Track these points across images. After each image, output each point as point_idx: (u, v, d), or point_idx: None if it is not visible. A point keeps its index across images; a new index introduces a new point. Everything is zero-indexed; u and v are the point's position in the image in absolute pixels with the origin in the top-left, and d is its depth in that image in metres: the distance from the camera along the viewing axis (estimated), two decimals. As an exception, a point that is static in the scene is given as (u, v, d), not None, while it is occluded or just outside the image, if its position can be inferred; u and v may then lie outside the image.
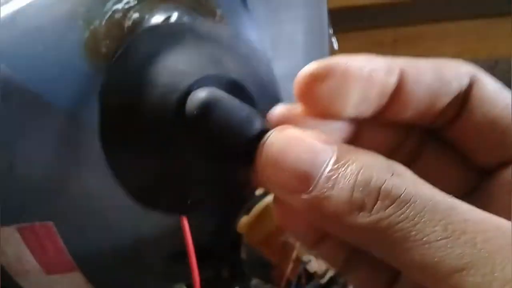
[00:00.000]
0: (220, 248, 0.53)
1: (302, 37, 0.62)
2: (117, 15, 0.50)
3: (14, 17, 0.48)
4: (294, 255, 0.47)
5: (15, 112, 0.46)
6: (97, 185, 0.47)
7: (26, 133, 0.46)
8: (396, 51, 1.34)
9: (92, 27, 0.49)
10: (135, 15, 0.50)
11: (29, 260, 0.53)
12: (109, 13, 0.50)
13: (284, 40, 0.59)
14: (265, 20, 0.57)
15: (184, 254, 0.52)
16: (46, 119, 0.46)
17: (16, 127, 0.46)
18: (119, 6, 0.51)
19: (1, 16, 0.47)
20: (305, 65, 0.47)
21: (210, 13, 0.53)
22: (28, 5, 0.48)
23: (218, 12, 0.54)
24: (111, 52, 0.48)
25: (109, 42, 0.49)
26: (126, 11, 0.51)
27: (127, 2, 0.51)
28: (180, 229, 0.50)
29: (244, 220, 0.49)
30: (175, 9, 0.52)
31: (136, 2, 0.52)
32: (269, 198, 0.48)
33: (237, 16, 0.55)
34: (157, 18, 0.50)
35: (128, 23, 0.50)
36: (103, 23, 0.49)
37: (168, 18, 0.49)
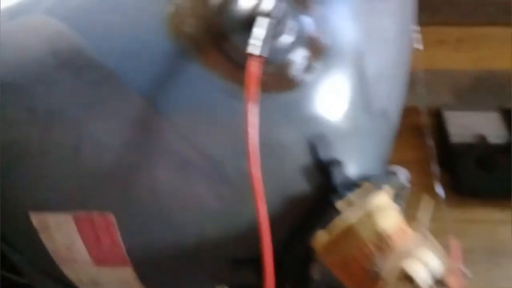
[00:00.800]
0: (288, 260, 0.48)
1: (394, 32, 0.55)
2: (205, -8, 0.44)
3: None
4: (379, 288, 0.42)
5: (86, 89, 0.41)
6: (167, 181, 0.43)
7: (97, 113, 0.41)
8: (458, 51, 1.27)
9: (177, 1, 0.43)
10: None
11: (79, 250, 0.48)
12: (196, -12, 0.44)
13: (377, 33, 0.53)
14: (360, 10, 0.51)
15: (248, 261, 0.48)
16: (119, 101, 0.41)
17: (86, 106, 0.41)
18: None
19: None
20: (397, 64, 0.43)
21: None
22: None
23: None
24: (196, 33, 0.43)
25: (194, 20, 0.43)
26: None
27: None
28: (246, 235, 0.46)
29: (321, 235, 0.44)
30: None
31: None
32: (353, 216, 0.42)
33: (330, 2, 0.49)
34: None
35: (214, 1, 0.44)
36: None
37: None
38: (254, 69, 0.41)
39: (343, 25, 0.50)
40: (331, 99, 0.48)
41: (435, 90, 1.23)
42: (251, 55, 0.41)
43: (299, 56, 0.46)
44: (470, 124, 1.23)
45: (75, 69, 0.40)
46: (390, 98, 0.57)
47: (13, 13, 0.42)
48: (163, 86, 0.41)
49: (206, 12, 0.43)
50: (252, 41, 0.41)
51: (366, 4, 0.51)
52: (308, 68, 0.46)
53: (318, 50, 0.48)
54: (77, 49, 0.40)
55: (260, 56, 0.41)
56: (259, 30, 0.42)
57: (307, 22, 0.47)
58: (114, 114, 0.41)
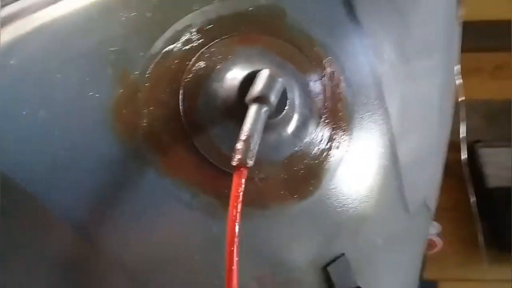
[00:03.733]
0: None
1: (436, 98, 0.41)
2: (170, 62, 0.31)
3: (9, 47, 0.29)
4: None
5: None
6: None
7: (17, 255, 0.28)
8: (496, 79, 1.11)
9: (128, 80, 0.30)
10: (200, 64, 0.31)
11: None
12: (158, 57, 0.31)
13: (416, 102, 0.39)
14: (396, 71, 0.37)
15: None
16: (45, 239, 0.28)
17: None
18: (175, 46, 0.31)
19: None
20: (438, 145, 0.40)
21: (315, 62, 0.34)
22: (30, 34, 0.30)
23: (326, 60, 0.34)
24: (155, 127, 0.29)
25: (154, 109, 0.30)
26: (185, 55, 0.31)
27: (188, 40, 0.32)
28: None
29: None
30: (263, 57, 0.32)
31: (201, 39, 0.32)
32: None
33: (356, 63, 0.35)
34: (236, 73, 0.30)
35: (186, 76, 0.31)
36: (147, 73, 0.30)
37: (253, 74, 0.30)
38: (239, 182, 0.27)
39: (370, 95, 0.36)
40: (355, 202, 0.35)
41: (469, 122, 1.08)
42: (238, 161, 0.27)
43: (310, 147, 0.33)
44: (509, 163, 1.06)
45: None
46: (431, 182, 0.43)
47: None
48: (106, 209, 0.28)
49: (171, 96, 0.30)
50: (239, 144, 0.28)
51: (401, 65, 0.37)
52: (323, 160, 0.33)
53: (337, 134, 0.34)
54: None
55: (248, 164, 0.28)
56: (249, 125, 0.28)
57: (320, 93, 0.34)
58: (29, 254, 0.28)
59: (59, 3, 0.31)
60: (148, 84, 0.30)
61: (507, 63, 1.08)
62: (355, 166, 0.35)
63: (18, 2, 0.31)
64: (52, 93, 0.28)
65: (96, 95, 0.29)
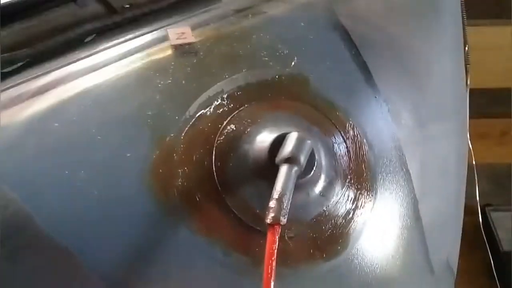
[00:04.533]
0: None
1: (455, 161, 0.43)
2: (203, 125, 0.33)
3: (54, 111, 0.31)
4: None
5: (25, 274, 0.28)
6: None
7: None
8: (503, 145, 1.13)
9: (164, 142, 0.32)
10: (231, 127, 0.33)
11: None
12: (192, 121, 0.33)
13: (434, 164, 0.40)
14: (413, 135, 0.38)
15: None
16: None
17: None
18: (207, 110, 0.33)
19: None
20: (457, 206, 0.41)
21: (339, 125, 0.35)
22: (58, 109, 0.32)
23: (349, 124, 0.36)
24: (189, 187, 0.31)
25: (188, 169, 0.31)
26: (217, 119, 0.33)
27: (219, 105, 0.34)
28: None
29: None
30: (290, 121, 0.34)
31: (231, 104, 0.34)
32: None
33: (377, 127, 0.37)
34: (265, 136, 0.32)
35: (218, 138, 0.33)
36: (182, 135, 0.32)
37: (283, 136, 0.31)
38: (273, 239, 0.28)
39: (391, 158, 0.37)
40: (381, 263, 0.35)
41: (478, 187, 1.08)
42: (272, 219, 0.28)
43: (337, 207, 0.34)
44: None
45: (13, 249, 0.28)
46: (452, 242, 0.44)
47: None
48: (140, 265, 0.29)
49: (204, 157, 0.31)
50: (272, 202, 0.29)
51: (418, 129, 0.39)
52: (349, 221, 0.34)
53: (362, 195, 0.35)
54: (21, 221, 0.28)
55: (280, 223, 0.29)
56: (281, 185, 0.29)
57: (345, 155, 0.35)
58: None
59: (100, 70, 0.34)
60: (183, 145, 0.32)
61: (512, 129, 1.10)
62: (380, 226, 0.36)
63: (63, 68, 0.34)
64: (92, 155, 0.30)
65: (135, 156, 0.30)
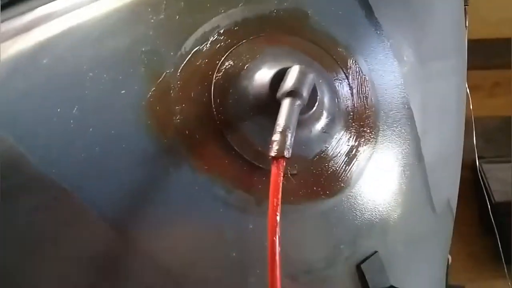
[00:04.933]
0: None
1: (454, 98, 0.42)
2: (200, 61, 0.31)
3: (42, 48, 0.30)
4: None
5: (26, 216, 0.27)
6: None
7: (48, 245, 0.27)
8: (495, 96, 1.13)
9: (160, 78, 0.30)
10: (229, 63, 0.32)
11: None
12: (188, 57, 0.31)
13: (435, 103, 0.39)
14: (415, 72, 0.37)
15: None
16: (76, 228, 0.28)
17: (29, 235, 0.27)
18: (204, 46, 0.32)
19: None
20: (457, 145, 0.41)
21: (340, 61, 0.34)
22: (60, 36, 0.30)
23: (351, 60, 0.35)
24: (188, 123, 0.30)
25: (187, 106, 0.30)
26: (214, 55, 0.32)
27: (216, 41, 0.32)
28: None
29: None
30: (290, 56, 0.33)
31: (228, 39, 0.33)
32: None
33: (379, 63, 0.36)
34: (265, 71, 0.31)
35: (216, 74, 0.31)
36: (179, 72, 0.31)
37: (284, 71, 0.30)
38: (278, 172, 0.27)
39: (394, 95, 0.36)
40: (384, 200, 0.34)
41: (469, 140, 1.09)
42: (276, 152, 0.28)
43: (339, 144, 0.33)
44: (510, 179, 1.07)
45: (6, 190, 0.27)
46: (453, 183, 0.43)
47: None
48: (140, 204, 0.28)
49: (202, 93, 0.30)
50: (276, 136, 0.28)
51: (420, 65, 0.38)
52: (352, 158, 0.33)
53: (365, 132, 0.34)
54: (13, 162, 0.27)
55: (284, 156, 0.28)
56: (284, 118, 0.28)
57: (347, 92, 0.34)
58: (64, 249, 0.27)
59: (89, 5, 0.32)
60: (179, 82, 0.30)
61: (507, 80, 1.10)
62: (383, 164, 0.35)
63: (49, 4, 0.32)
64: (85, 92, 0.28)
65: (130, 93, 0.29)
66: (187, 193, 0.29)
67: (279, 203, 0.26)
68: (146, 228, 0.28)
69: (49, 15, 0.31)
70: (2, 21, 0.31)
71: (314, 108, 0.31)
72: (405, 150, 0.36)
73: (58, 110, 0.28)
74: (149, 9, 0.32)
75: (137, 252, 0.28)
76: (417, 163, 0.37)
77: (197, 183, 0.29)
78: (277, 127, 0.28)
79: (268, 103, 0.30)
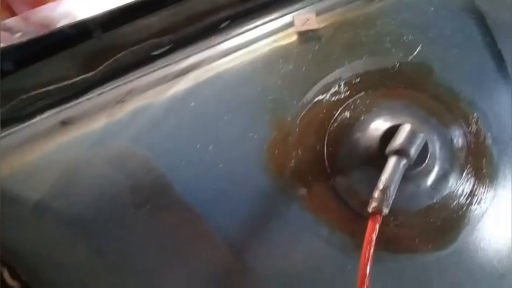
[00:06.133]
0: None
1: None
2: (319, 111, 0.35)
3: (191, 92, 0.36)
4: None
5: (163, 232, 0.34)
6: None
7: (172, 261, 0.34)
8: None
9: (281, 125, 0.35)
10: (345, 114, 0.34)
11: None
12: (308, 106, 0.35)
13: None
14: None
15: None
16: (201, 249, 0.34)
17: (161, 251, 0.34)
18: (324, 97, 0.35)
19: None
20: None
21: (461, 118, 0.34)
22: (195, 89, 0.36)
23: (472, 116, 0.35)
24: (302, 168, 0.33)
25: (302, 151, 0.34)
26: (332, 106, 0.35)
27: (336, 92, 0.35)
28: None
29: None
30: (406, 111, 0.34)
31: (347, 91, 0.35)
32: None
33: (504, 126, 0.35)
34: (379, 125, 0.33)
35: (332, 124, 0.34)
36: (298, 120, 0.34)
37: (395, 127, 0.32)
38: (373, 227, 0.30)
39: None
40: (491, 260, 0.34)
41: None
42: (374, 208, 0.30)
43: (449, 200, 0.34)
44: None
45: (155, 208, 0.34)
46: None
47: (97, 138, 0.37)
48: (255, 232, 0.33)
49: (317, 141, 0.34)
50: (376, 192, 0.30)
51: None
52: (462, 216, 0.33)
53: (479, 192, 0.34)
54: (162, 186, 0.34)
55: (383, 212, 0.30)
56: (386, 176, 0.30)
57: (463, 151, 0.34)
58: (191, 263, 0.33)
59: (230, 56, 0.38)
60: (298, 129, 0.34)
61: None
62: (497, 224, 0.34)
63: (199, 54, 0.38)
64: (220, 132, 0.34)
65: (255, 136, 0.34)
66: (295, 228, 0.33)
67: (370, 257, 0.28)
68: (257, 252, 0.33)
69: (200, 63, 0.37)
70: (164, 66, 0.39)
71: (423, 165, 0.32)
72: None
73: (198, 146, 0.34)
74: (281, 60, 0.37)
75: (248, 272, 0.33)
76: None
77: (304, 222, 0.33)
78: (379, 184, 0.30)
79: (377, 157, 0.32)
